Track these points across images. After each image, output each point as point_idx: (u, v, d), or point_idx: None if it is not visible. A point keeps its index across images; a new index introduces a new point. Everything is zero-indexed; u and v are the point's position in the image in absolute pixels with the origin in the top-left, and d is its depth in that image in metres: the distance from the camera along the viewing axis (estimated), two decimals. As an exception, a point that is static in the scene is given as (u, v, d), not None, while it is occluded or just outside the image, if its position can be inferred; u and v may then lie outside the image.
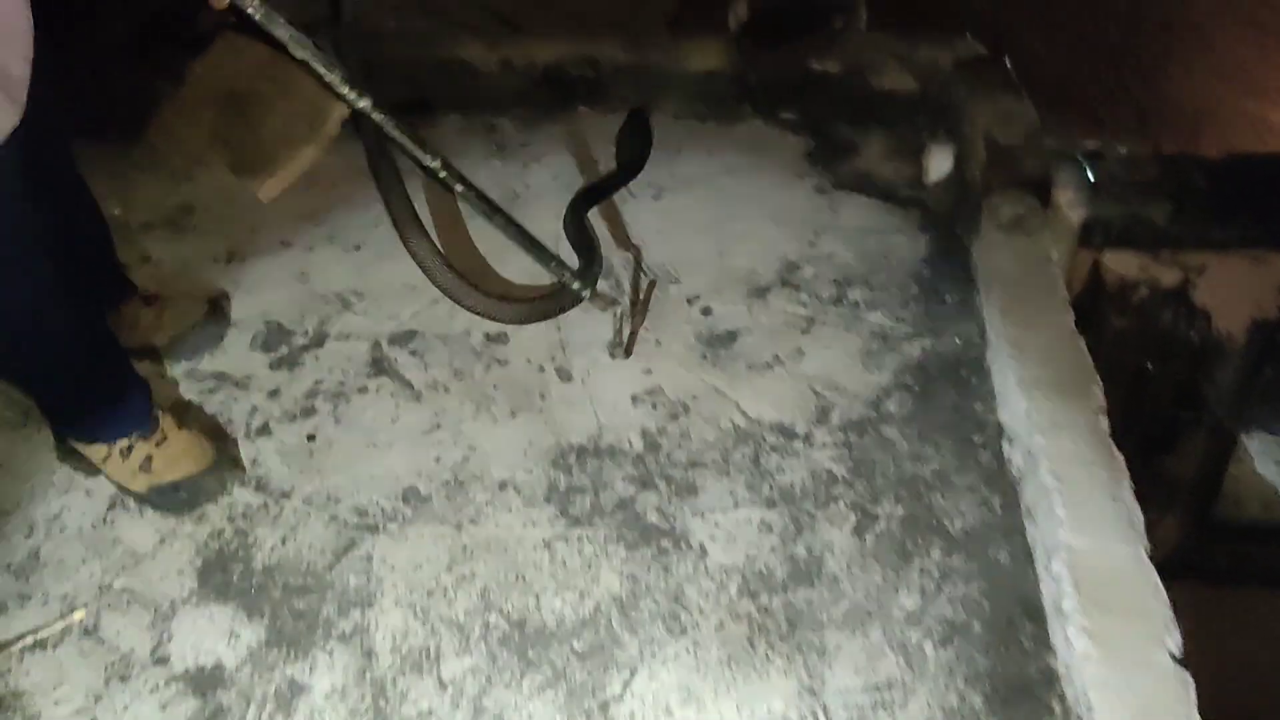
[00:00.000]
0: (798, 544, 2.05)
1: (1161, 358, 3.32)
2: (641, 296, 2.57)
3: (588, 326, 2.52)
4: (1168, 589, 1.82)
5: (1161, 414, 3.43)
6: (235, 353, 2.49)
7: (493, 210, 2.41)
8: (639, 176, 2.84)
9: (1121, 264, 3.07)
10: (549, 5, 3.60)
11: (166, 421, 2.17)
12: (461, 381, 2.41)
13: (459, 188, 2.34)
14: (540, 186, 2.92)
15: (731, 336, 2.49)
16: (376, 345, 2.49)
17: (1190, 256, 2.95)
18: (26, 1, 1.61)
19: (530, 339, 2.50)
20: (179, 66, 3.12)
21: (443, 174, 2.29)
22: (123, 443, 2.12)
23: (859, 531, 2.07)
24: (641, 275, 2.63)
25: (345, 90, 2.12)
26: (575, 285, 2.42)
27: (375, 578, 2.01)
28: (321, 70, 2.07)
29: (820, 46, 3.03)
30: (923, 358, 2.43)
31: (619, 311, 2.54)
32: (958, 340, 2.47)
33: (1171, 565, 1.93)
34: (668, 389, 2.37)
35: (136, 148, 2.98)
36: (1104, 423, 2.15)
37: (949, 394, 2.34)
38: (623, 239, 2.74)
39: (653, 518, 2.10)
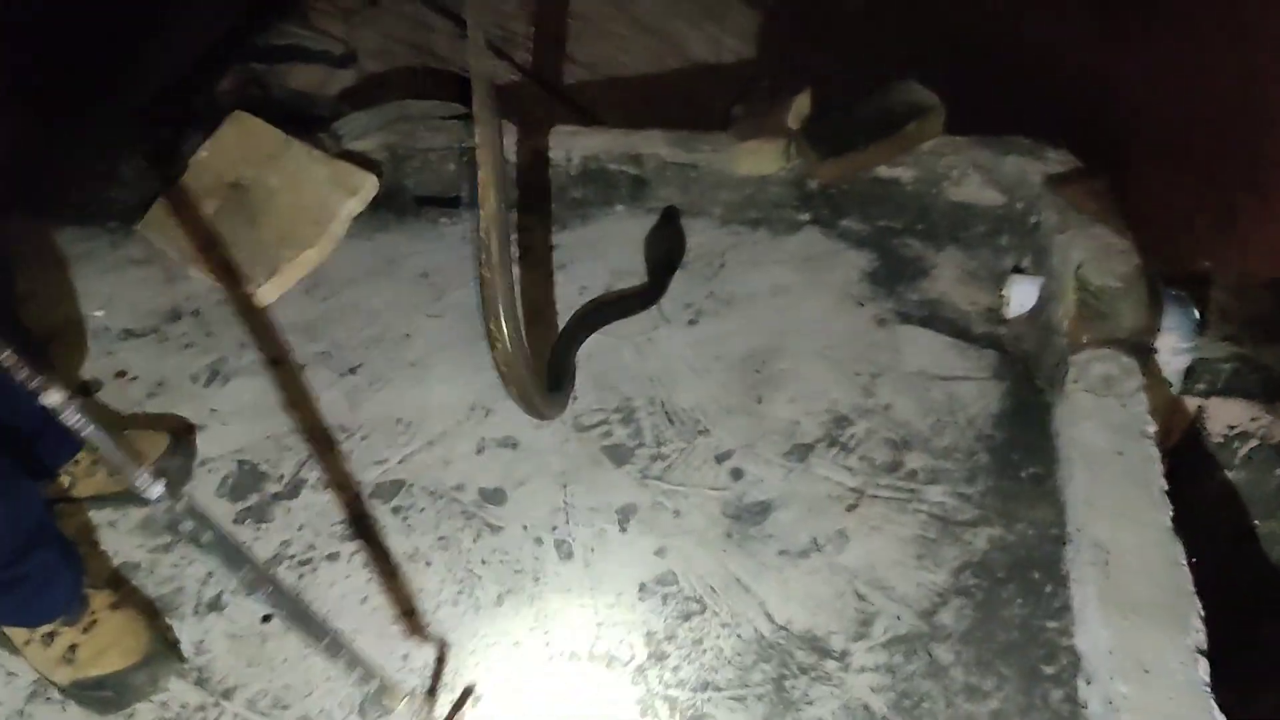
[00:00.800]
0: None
1: (1273, 516, 2.87)
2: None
3: (599, 486, 2.18)
4: None
5: (1273, 577, 2.97)
6: (200, 498, 2.19)
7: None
8: (677, 300, 2.53)
9: (1229, 413, 2.63)
10: (634, 101, 3.26)
11: (99, 600, 1.89)
12: (446, 552, 2.08)
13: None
14: (564, 300, 2.58)
15: (763, 509, 2.12)
16: (356, 498, 2.18)
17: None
18: None
19: (530, 499, 2.17)
20: (185, 146, 2.85)
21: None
22: (45, 628, 1.84)
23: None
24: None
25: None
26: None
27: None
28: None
29: (891, 150, 2.63)
30: (989, 552, 2.04)
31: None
32: (1031, 531, 2.07)
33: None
34: (682, 577, 2.02)
35: (132, 240, 2.69)
36: (1204, 669, 1.74)
37: (1017, 605, 1.96)
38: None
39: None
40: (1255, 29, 2.50)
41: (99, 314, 2.60)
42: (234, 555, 1.47)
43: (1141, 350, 2.21)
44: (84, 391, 2.40)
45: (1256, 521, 2.81)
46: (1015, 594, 1.98)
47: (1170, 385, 2.41)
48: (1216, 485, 2.75)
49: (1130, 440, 2.13)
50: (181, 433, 2.26)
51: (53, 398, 1.30)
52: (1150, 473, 2.06)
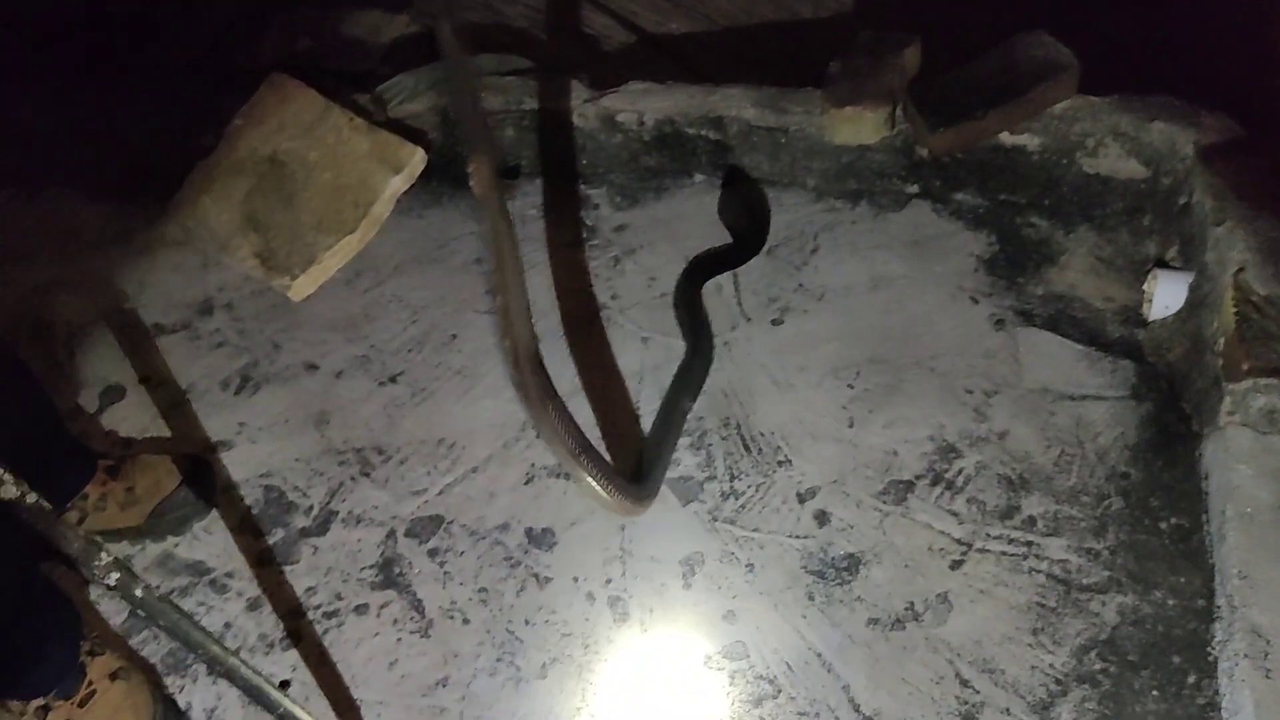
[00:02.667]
0: None
1: None
2: None
3: (662, 529, 1.90)
4: None
5: None
6: (221, 534, 1.99)
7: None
8: (760, 293, 2.26)
9: None
10: (723, 42, 2.88)
11: (98, 668, 1.71)
12: (486, 608, 1.83)
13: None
14: (631, 294, 2.27)
15: (852, 565, 1.82)
16: (390, 536, 1.94)
17: None
18: None
19: (582, 543, 1.90)
20: (222, 112, 2.59)
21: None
22: (37, 702, 1.65)
23: None
24: None
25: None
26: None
27: None
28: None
29: (1015, 116, 2.23)
30: (1119, 627, 1.71)
31: None
32: (1172, 601, 1.74)
33: None
34: (754, 649, 1.74)
35: (167, 220, 2.46)
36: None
37: (1152, 697, 1.64)
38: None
39: None
40: None
41: (128, 307, 2.38)
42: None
43: (1317, 378, 1.82)
44: (108, 399, 2.19)
45: None
46: (1150, 683, 1.66)
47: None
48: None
49: (1299, 493, 1.75)
50: (199, 456, 2.02)
51: None
52: (1324, 535, 1.69)
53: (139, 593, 1.36)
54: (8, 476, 1.28)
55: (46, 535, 1.30)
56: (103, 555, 1.33)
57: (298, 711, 1.48)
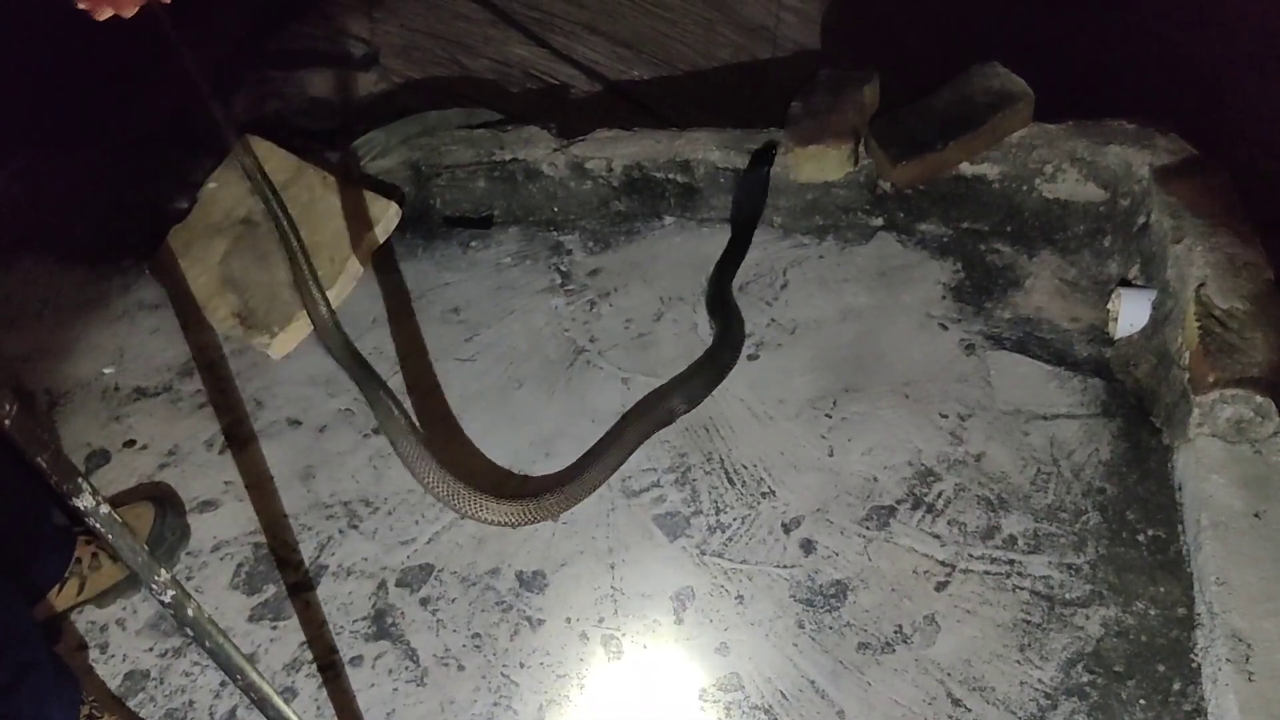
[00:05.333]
0: None
1: None
2: None
3: (652, 565, 1.92)
4: None
5: None
6: (213, 592, 1.99)
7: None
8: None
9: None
10: (684, 84, 2.94)
11: (95, 733, 1.68)
12: (480, 653, 1.84)
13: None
14: (609, 336, 2.31)
15: (839, 591, 1.85)
16: (382, 587, 1.95)
17: None
18: None
19: (573, 583, 1.92)
20: (194, 175, 2.62)
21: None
22: (34, 769, 1.64)
23: None
24: None
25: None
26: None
27: None
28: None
29: (974, 146, 2.29)
30: (1103, 639, 1.75)
31: None
32: (1153, 611, 1.77)
33: None
34: (748, 680, 1.76)
35: (144, 281, 2.48)
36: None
37: (1139, 707, 1.69)
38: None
39: None
40: None
41: (108, 371, 2.39)
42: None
43: (1279, 388, 1.87)
44: (93, 464, 2.20)
45: None
46: (1137, 693, 1.69)
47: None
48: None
49: (1270, 499, 1.82)
50: (161, 497, 2.05)
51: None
52: (1295, 540, 1.74)
53: (190, 612, 1.40)
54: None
55: (115, 550, 1.33)
56: (161, 572, 1.36)
57: None
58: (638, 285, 2.42)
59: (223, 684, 1.87)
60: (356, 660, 1.87)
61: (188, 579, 2.02)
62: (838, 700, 1.73)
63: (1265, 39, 2.46)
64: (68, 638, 1.93)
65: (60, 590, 1.92)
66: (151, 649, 1.94)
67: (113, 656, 1.94)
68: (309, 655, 1.89)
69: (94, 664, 1.91)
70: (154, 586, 1.36)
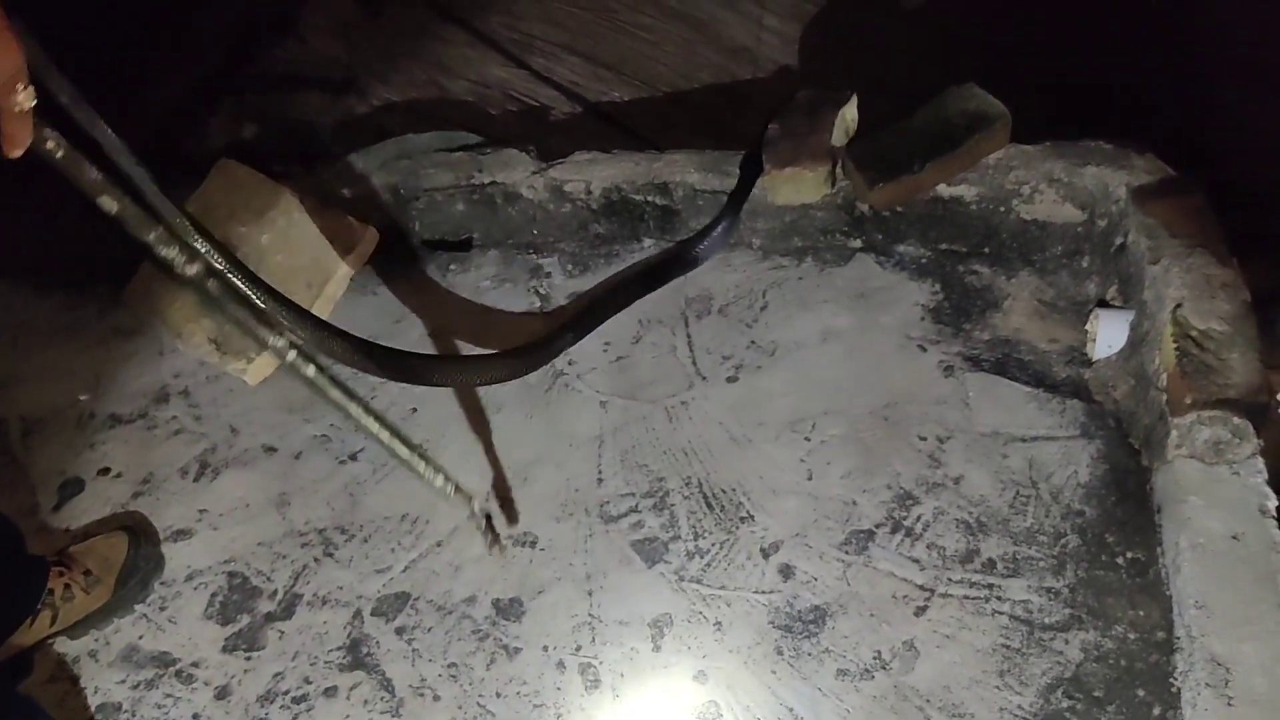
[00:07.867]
0: None
1: None
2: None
3: (629, 592, 1.91)
4: None
5: None
6: (186, 622, 1.97)
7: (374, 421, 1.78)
8: (714, 351, 2.30)
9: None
10: (665, 103, 2.94)
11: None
12: (456, 683, 1.82)
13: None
14: (587, 359, 2.30)
15: (818, 617, 1.83)
16: (357, 616, 1.93)
17: None
18: None
19: (551, 611, 1.90)
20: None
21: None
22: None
23: None
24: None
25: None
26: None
27: None
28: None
29: (952, 168, 2.29)
30: (1083, 664, 1.74)
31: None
32: (1133, 635, 1.77)
33: None
34: (727, 709, 1.75)
35: (120, 307, 2.46)
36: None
37: (1121, 735, 1.64)
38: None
39: None
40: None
41: (84, 398, 2.37)
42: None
43: (1256, 410, 1.87)
44: (67, 493, 2.18)
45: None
46: (1116, 718, 1.69)
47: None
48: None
49: (1248, 521, 1.81)
50: (134, 526, 2.03)
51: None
52: (1275, 563, 1.73)
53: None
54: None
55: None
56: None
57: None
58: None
59: (195, 716, 1.84)
60: (331, 691, 1.85)
61: (161, 609, 1.99)
62: (817, 728, 1.71)
63: (1249, 49, 2.45)
64: (38, 671, 1.90)
65: (33, 623, 1.90)
66: (124, 681, 1.92)
67: (84, 689, 1.91)
68: (284, 686, 1.87)
69: (65, 697, 1.89)
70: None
